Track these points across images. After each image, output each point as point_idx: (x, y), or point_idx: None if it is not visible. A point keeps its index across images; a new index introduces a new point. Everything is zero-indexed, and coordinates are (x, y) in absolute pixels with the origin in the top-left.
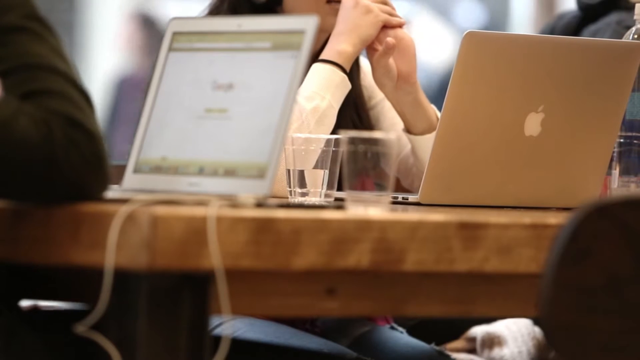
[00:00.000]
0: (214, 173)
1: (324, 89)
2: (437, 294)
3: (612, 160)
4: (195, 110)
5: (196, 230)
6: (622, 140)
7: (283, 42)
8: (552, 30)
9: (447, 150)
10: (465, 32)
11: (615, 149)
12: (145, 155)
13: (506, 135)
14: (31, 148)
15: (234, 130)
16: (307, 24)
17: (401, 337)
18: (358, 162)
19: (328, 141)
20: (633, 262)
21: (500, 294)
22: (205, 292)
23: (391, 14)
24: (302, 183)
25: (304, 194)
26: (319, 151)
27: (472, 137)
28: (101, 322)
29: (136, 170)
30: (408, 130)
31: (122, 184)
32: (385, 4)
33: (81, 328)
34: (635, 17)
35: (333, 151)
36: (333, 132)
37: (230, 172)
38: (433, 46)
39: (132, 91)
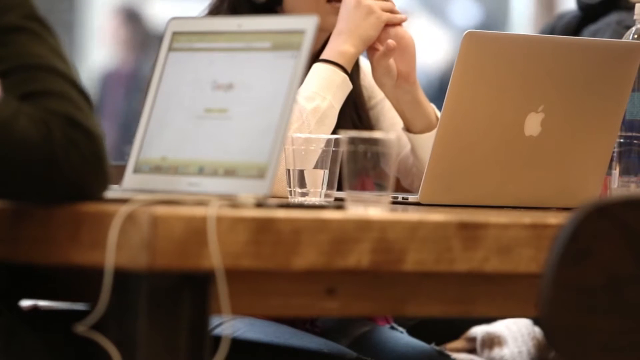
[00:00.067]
0: (214, 173)
1: (324, 89)
2: (437, 294)
3: (612, 160)
4: (195, 110)
5: (196, 230)
6: (622, 140)
7: (283, 42)
8: (552, 30)
9: (447, 150)
10: (465, 32)
11: (615, 149)
12: (145, 155)
13: (506, 135)
14: (31, 148)
15: (234, 130)
16: (307, 23)
17: (401, 337)
18: (358, 162)
19: (328, 141)
20: (633, 262)
21: (500, 294)
22: (205, 292)
23: (392, 11)
24: (302, 183)
25: (304, 194)
26: (319, 151)
27: (472, 137)
28: (101, 322)
29: (136, 170)
30: (407, 129)
31: (122, 184)
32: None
33: (81, 328)
34: (635, 17)
35: (333, 151)
36: (333, 132)
37: (230, 172)
38: (428, 46)
39: (116, 86)
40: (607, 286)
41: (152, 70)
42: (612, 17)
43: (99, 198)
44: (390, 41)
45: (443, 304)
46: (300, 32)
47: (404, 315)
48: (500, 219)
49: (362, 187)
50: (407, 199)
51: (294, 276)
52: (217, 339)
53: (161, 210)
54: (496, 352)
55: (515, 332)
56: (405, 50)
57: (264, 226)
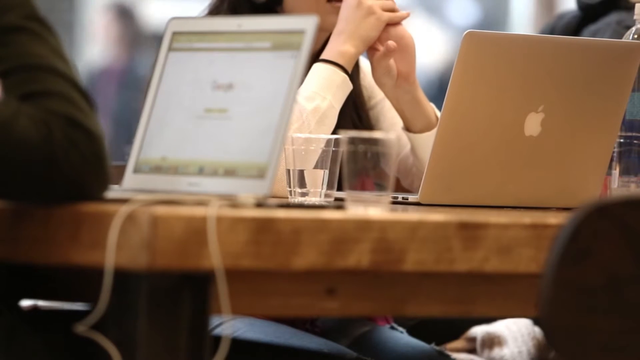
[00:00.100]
0: (214, 173)
1: (324, 89)
2: (437, 294)
3: (612, 160)
4: (195, 110)
5: (196, 230)
6: (622, 140)
7: (283, 42)
8: (552, 30)
9: (447, 150)
10: (465, 32)
11: (615, 149)
12: (145, 155)
13: (506, 135)
14: (31, 148)
15: (234, 130)
16: (307, 23)
17: (401, 337)
18: (358, 162)
19: (328, 141)
20: (633, 262)
21: (500, 294)
22: (205, 292)
23: (393, 10)
24: (302, 183)
25: (304, 194)
26: (319, 151)
27: (472, 137)
28: (101, 322)
29: (136, 170)
30: (407, 128)
31: (122, 184)
32: None
33: (81, 328)
34: (635, 17)
35: (333, 151)
36: (333, 132)
37: (230, 172)
38: (425, 45)
39: (109, 82)
40: (607, 286)
41: (152, 70)
42: (612, 17)
43: (100, 198)
44: (391, 42)
45: (443, 304)
46: (300, 32)
47: (404, 315)
48: (500, 219)
49: (362, 187)
50: (407, 199)
51: (294, 276)
52: (217, 339)
53: (161, 210)
54: (496, 352)
55: (515, 332)
56: (406, 50)
57: (264, 226)
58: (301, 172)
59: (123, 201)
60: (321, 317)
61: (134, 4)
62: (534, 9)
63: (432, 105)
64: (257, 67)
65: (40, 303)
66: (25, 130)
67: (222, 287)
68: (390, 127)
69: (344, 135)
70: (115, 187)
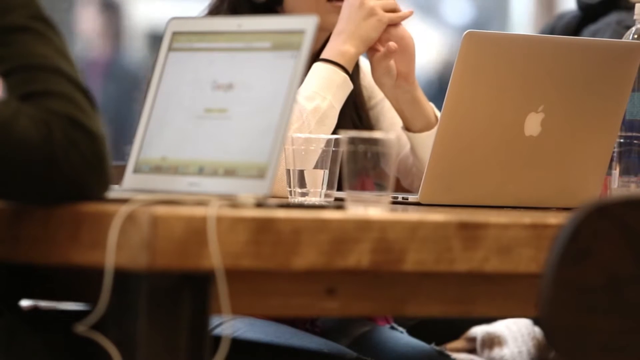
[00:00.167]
0: (214, 173)
1: (324, 89)
2: (437, 294)
3: (612, 160)
4: (195, 110)
5: (196, 230)
6: (622, 140)
7: (283, 42)
8: (552, 30)
9: (447, 150)
10: (465, 32)
11: (615, 149)
12: (145, 155)
13: (506, 135)
14: (31, 148)
15: (234, 130)
16: (307, 23)
17: (401, 337)
18: (358, 162)
19: (328, 141)
20: (633, 262)
21: (500, 294)
22: (205, 292)
23: (394, 10)
24: (302, 183)
25: (304, 194)
26: (319, 151)
27: (472, 137)
28: (101, 322)
29: (136, 170)
30: (407, 128)
31: (122, 184)
32: None
33: (81, 328)
34: (635, 17)
35: (333, 151)
36: (333, 132)
37: (230, 172)
38: (420, 45)
39: (94, 77)
40: (607, 286)
41: (152, 70)
42: (612, 17)
43: (100, 198)
44: (392, 43)
45: (443, 304)
46: (300, 32)
47: (404, 315)
48: (500, 219)
49: (362, 187)
50: (407, 199)
51: (294, 276)
52: (217, 339)
53: (161, 210)
54: (496, 352)
55: (515, 332)
56: (406, 50)
57: (264, 226)
58: (301, 172)
59: (123, 201)
60: (321, 317)
61: None
62: (534, 9)
63: (432, 105)
64: (257, 67)
65: (41, 303)
66: (25, 130)
67: (222, 287)
68: (390, 127)
69: (344, 135)
70: (115, 187)
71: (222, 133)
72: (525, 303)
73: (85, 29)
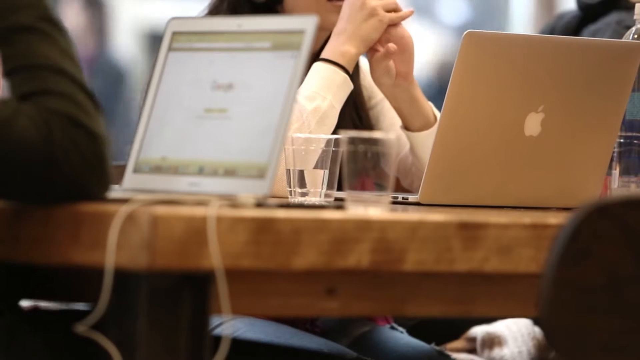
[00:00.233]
0: (214, 173)
1: (325, 89)
2: (437, 294)
3: (612, 160)
4: (195, 110)
5: (196, 230)
6: (622, 140)
7: (283, 42)
8: (552, 30)
9: (447, 150)
10: (465, 32)
11: (615, 149)
12: (145, 155)
13: (506, 135)
14: (31, 148)
15: (234, 130)
16: (307, 23)
17: (401, 337)
18: (358, 162)
19: (328, 141)
20: (633, 262)
21: (500, 294)
22: (205, 292)
23: (395, 10)
24: (302, 183)
25: (304, 194)
26: (319, 151)
27: (472, 137)
28: (101, 322)
29: (136, 170)
30: (406, 127)
31: (122, 184)
32: None
33: (81, 328)
34: (635, 17)
35: (333, 151)
36: (333, 132)
37: (230, 172)
38: (416, 45)
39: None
40: (607, 286)
41: (152, 70)
42: (612, 17)
43: (100, 198)
44: (392, 45)
45: (443, 304)
46: (300, 32)
47: (404, 315)
48: (500, 219)
49: (362, 187)
50: (407, 199)
51: (294, 276)
52: (217, 339)
53: (161, 210)
54: (496, 352)
55: (515, 332)
56: (405, 50)
57: (264, 226)
58: (301, 172)
59: (123, 201)
60: (321, 317)
61: None
62: (534, 9)
63: (431, 104)
64: (257, 67)
65: (41, 303)
66: (25, 130)
67: (222, 287)
68: (390, 127)
69: (344, 135)
70: (116, 187)
71: (222, 133)
72: (525, 303)
73: (69, 25)
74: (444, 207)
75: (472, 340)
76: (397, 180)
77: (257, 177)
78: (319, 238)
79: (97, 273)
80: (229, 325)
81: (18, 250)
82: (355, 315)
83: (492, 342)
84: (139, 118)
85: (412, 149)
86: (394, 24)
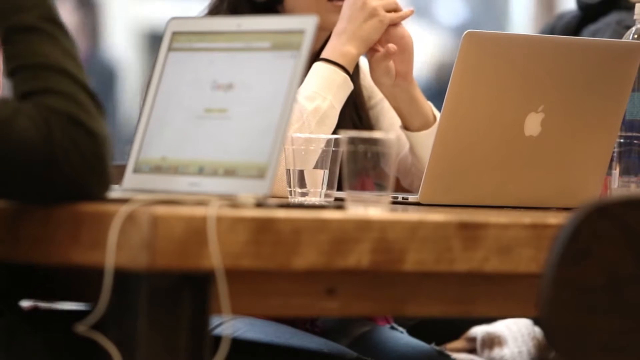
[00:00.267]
0: (214, 173)
1: (325, 89)
2: (437, 294)
3: (612, 160)
4: (195, 110)
5: (196, 230)
6: (622, 140)
7: (283, 42)
8: (552, 30)
9: (447, 150)
10: (465, 32)
11: (615, 149)
12: (145, 155)
13: (506, 135)
14: (31, 148)
15: (234, 130)
16: (306, 23)
17: (401, 337)
18: (358, 162)
19: (328, 141)
20: (633, 262)
21: (500, 294)
22: (205, 292)
23: (395, 10)
24: (302, 183)
25: (304, 194)
26: (319, 151)
27: (472, 137)
28: (101, 322)
29: (136, 170)
30: (405, 127)
31: (122, 184)
32: None
33: (81, 328)
34: (635, 17)
35: (333, 151)
36: (333, 132)
37: (230, 172)
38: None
39: None
40: (607, 286)
41: (152, 70)
42: (612, 17)
43: (100, 198)
44: (392, 45)
45: (443, 304)
46: (300, 32)
47: (404, 315)
48: (500, 219)
49: (362, 187)
50: (407, 199)
51: (294, 276)
52: (217, 339)
53: (161, 210)
54: (496, 352)
55: (516, 332)
56: (405, 50)
57: (264, 226)
58: (301, 172)
59: (123, 201)
60: (321, 317)
61: None
62: (534, 9)
63: (430, 104)
64: (257, 67)
65: (41, 303)
66: (24, 130)
67: (222, 287)
68: (390, 127)
69: (344, 135)
70: (116, 187)
71: (222, 133)
72: (525, 303)
73: None
74: (444, 207)
75: (472, 340)
76: (397, 180)
77: (257, 177)
78: (319, 238)
79: (97, 273)
80: (229, 325)
81: (18, 250)
82: (355, 315)
83: (492, 342)
84: (139, 118)
85: (412, 149)
86: (394, 24)
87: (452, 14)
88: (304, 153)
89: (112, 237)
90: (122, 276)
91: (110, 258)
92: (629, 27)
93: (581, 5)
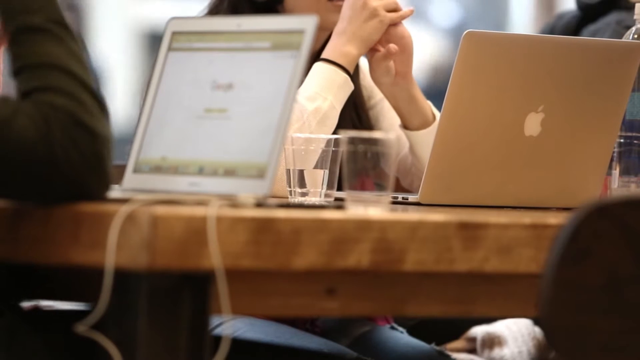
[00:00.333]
0: (214, 173)
1: (325, 89)
2: (437, 294)
3: (612, 160)
4: (195, 110)
5: (196, 230)
6: (622, 140)
7: (283, 42)
8: (552, 30)
9: (447, 150)
10: (465, 32)
11: (615, 149)
12: (145, 155)
13: (506, 135)
14: (30, 148)
15: (234, 130)
16: (306, 23)
17: (401, 337)
18: (358, 162)
19: (328, 141)
20: (633, 262)
21: (500, 294)
22: (205, 292)
23: (395, 9)
24: (302, 183)
25: (304, 194)
26: (319, 151)
27: (472, 137)
28: (101, 322)
29: (136, 170)
30: (405, 126)
31: (122, 184)
32: None
33: (81, 328)
34: (635, 17)
35: (333, 151)
36: (333, 132)
37: (230, 172)
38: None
39: None
40: (607, 286)
41: (152, 70)
42: (612, 17)
43: (101, 198)
44: (392, 46)
45: (443, 304)
46: (299, 32)
47: (404, 315)
48: (500, 219)
49: (362, 187)
50: (407, 199)
51: (294, 276)
52: (217, 339)
53: (161, 210)
54: (496, 352)
55: (516, 332)
56: (405, 49)
57: (264, 226)
58: (301, 172)
59: (123, 201)
60: (321, 317)
61: None
62: (534, 9)
63: (429, 103)
64: (257, 67)
65: (41, 303)
66: (24, 129)
67: (222, 287)
68: (389, 127)
69: (344, 135)
70: (115, 187)
71: (222, 133)
72: (525, 303)
73: None
74: (444, 207)
75: (472, 340)
76: (397, 180)
77: (257, 177)
78: (319, 238)
79: (97, 273)
80: (229, 325)
81: (18, 250)
82: (355, 315)
83: (492, 342)
84: (139, 118)
85: (411, 148)
86: (394, 24)
87: (446, 15)
88: (304, 153)
89: (112, 237)
90: (122, 276)
91: (110, 258)
92: (629, 27)
93: (581, 5)
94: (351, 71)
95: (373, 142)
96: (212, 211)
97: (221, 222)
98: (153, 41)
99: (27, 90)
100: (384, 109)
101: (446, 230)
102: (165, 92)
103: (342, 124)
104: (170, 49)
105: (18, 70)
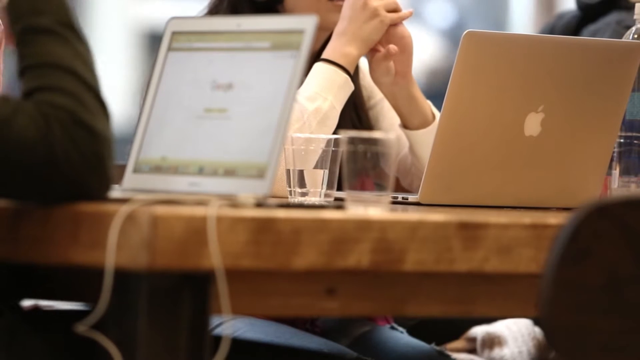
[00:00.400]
0: (214, 173)
1: (326, 89)
2: (437, 294)
3: (612, 160)
4: (195, 110)
5: (196, 230)
6: (622, 140)
7: (282, 42)
8: (552, 30)
9: (447, 150)
10: (465, 32)
11: (615, 149)
12: (145, 155)
13: (506, 135)
14: (30, 148)
15: (234, 130)
16: (306, 23)
17: (401, 337)
18: (358, 162)
19: (328, 141)
20: (633, 262)
21: (500, 294)
22: (205, 292)
23: (396, 10)
24: (302, 183)
25: (304, 194)
26: (319, 151)
27: (472, 137)
28: (101, 322)
29: (136, 170)
30: (404, 125)
31: (122, 184)
32: None
33: (82, 328)
34: (635, 17)
35: (333, 151)
36: (333, 133)
37: (230, 172)
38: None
39: None
40: (607, 286)
41: (152, 70)
42: (612, 17)
43: (101, 198)
44: (392, 46)
45: (443, 304)
46: (299, 32)
47: (404, 315)
48: (500, 219)
49: (362, 187)
50: (407, 199)
51: (294, 276)
52: (217, 339)
53: (161, 210)
54: (496, 352)
55: (516, 332)
56: (405, 49)
57: (264, 226)
58: (301, 172)
59: (123, 201)
60: (321, 317)
61: None
62: (534, 9)
63: (429, 103)
64: (257, 67)
65: (41, 303)
66: (24, 129)
67: (222, 287)
68: (389, 127)
69: (344, 135)
70: (115, 187)
71: (222, 133)
72: (525, 303)
73: None
74: (444, 207)
75: (472, 340)
76: (397, 180)
77: (257, 177)
78: (319, 238)
79: (97, 273)
80: (229, 325)
81: (18, 250)
82: (355, 315)
83: (492, 342)
84: (139, 118)
85: (411, 148)
86: (394, 24)
87: (444, 16)
88: (304, 153)
89: (112, 237)
90: (122, 276)
91: (110, 258)
92: (629, 27)
93: (581, 5)
94: (351, 71)
95: (373, 142)
96: (212, 211)
97: (221, 222)
98: (153, 41)
99: (29, 90)
100: (384, 109)
101: (446, 230)
102: (165, 92)
103: (342, 124)
104: (170, 48)
105: (22, 71)
